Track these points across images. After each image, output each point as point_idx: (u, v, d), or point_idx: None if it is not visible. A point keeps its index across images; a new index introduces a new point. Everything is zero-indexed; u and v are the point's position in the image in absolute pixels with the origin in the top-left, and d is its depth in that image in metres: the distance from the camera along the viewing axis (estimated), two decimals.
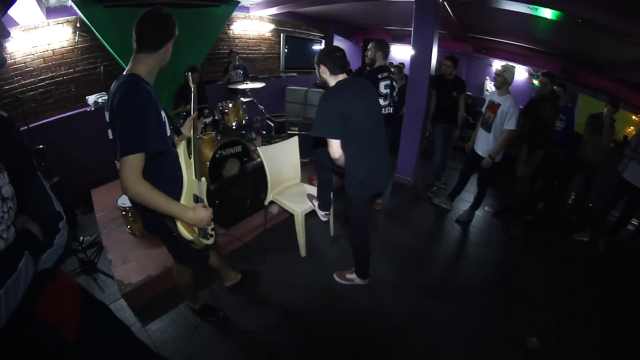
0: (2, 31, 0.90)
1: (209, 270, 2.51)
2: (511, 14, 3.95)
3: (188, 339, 2.34)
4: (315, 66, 2.29)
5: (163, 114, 1.59)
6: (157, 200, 1.43)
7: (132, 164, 1.36)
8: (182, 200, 1.66)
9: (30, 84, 3.96)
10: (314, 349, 2.33)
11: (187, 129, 2.04)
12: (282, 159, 3.25)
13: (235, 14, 6.04)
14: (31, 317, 1.02)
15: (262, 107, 4.96)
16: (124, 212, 3.11)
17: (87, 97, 4.41)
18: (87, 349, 1.19)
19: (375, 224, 3.83)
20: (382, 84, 3.32)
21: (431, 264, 3.29)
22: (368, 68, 3.55)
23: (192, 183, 1.76)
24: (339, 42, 9.01)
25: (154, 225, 1.75)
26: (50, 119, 4.13)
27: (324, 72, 2.24)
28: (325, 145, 2.28)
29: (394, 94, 3.46)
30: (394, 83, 3.43)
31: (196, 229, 1.67)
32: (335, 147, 2.20)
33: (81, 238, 3.38)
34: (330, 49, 2.27)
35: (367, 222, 2.67)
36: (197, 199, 1.77)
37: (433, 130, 4.52)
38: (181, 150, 1.76)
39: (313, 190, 3.22)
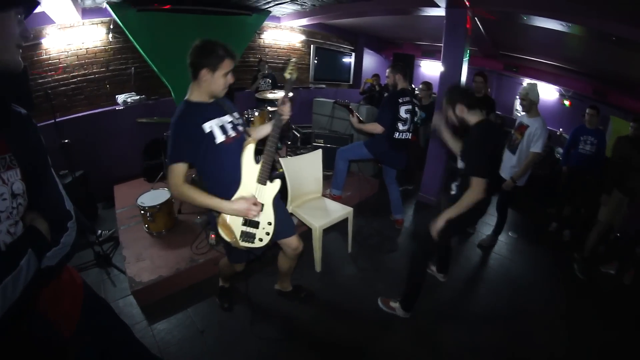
0: (24, 32, 0.92)
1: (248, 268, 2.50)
2: (544, 31, 3.84)
3: (192, 343, 2.32)
4: (447, 107, 2.28)
5: (214, 123, 1.75)
6: (197, 197, 1.71)
7: (175, 171, 1.68)
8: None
9: (63, 79, 4.11)
10: None
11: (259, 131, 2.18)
12: (304, 172, 3.20)
13: (266, 23, 6.11)
14: (31, 311, 1.01)
15: None
16: (142, 211, 3.14)
17: (117, 96, 4.53)
18: (83, 345, 1.18)
19: (395, 243, 3.75)
20: (402, 109, 3.29)
21: (448, 289, 3.14)
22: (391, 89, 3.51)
23: (249, 186, 1.83)
24: (369, 55, 9.01)
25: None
26: (79, 114, 4.26)
27: (461, 112, 2.21)
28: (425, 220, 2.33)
29: (416, 119, 3.43)
30: (416, 108, 3.40)
31: (237, 233, 1.83)
32: (484, 187, 2.11)
33: (99, 231, 3.45)
34: (454, 87, 2.33)
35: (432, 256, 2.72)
36: None
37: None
38: (247, 153, 1.84)
39: (334, 205, 3.21)
